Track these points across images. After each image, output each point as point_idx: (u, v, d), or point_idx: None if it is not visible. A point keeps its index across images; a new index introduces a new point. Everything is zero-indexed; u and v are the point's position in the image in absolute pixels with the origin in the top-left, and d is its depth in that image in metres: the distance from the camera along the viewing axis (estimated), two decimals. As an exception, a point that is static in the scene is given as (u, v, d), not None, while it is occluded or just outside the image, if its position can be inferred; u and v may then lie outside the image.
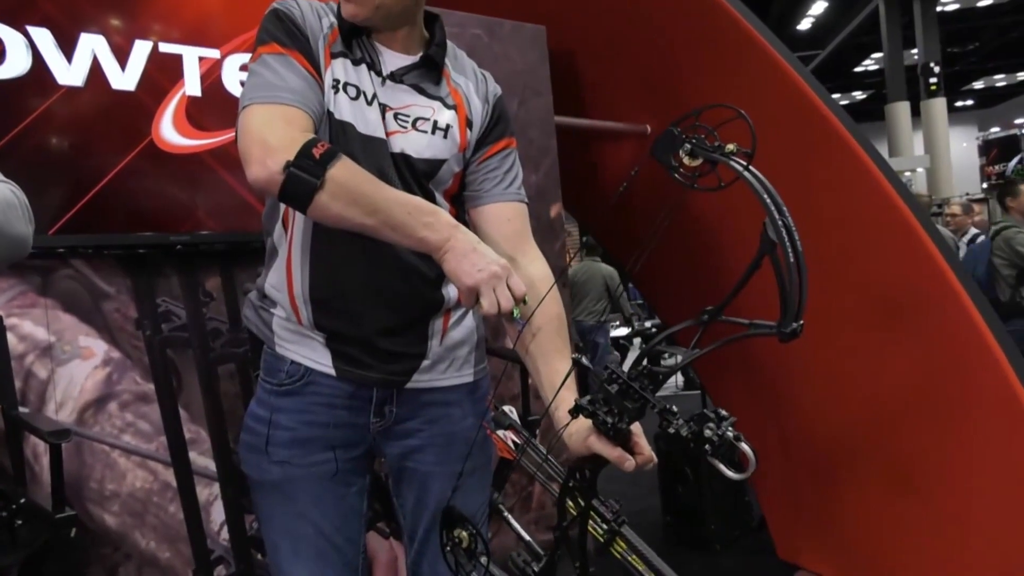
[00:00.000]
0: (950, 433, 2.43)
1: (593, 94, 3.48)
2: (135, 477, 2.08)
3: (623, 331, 8.57)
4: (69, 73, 1.87)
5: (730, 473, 0.82)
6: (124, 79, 1.95)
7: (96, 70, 1.91)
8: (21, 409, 1.92)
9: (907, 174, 15.35)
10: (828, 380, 2.79)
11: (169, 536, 2.12)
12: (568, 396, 1.05)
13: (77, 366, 2.01)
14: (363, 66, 1.24)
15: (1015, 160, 9.50)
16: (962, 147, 18.70)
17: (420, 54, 1.29)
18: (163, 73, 2.01)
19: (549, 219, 3.04)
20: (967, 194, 12.60)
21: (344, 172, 1.06)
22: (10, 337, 1.92)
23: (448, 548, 1.06)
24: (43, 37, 1.83)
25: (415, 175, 1.26)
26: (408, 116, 1.25)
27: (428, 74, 1.29)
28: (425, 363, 1.31)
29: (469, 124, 1.32)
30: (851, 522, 2.83)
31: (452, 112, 1.29)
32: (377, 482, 1.47)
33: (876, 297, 2.60)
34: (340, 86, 1.21)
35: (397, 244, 1.12)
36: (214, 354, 2.23)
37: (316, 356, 1.27)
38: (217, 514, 2.19)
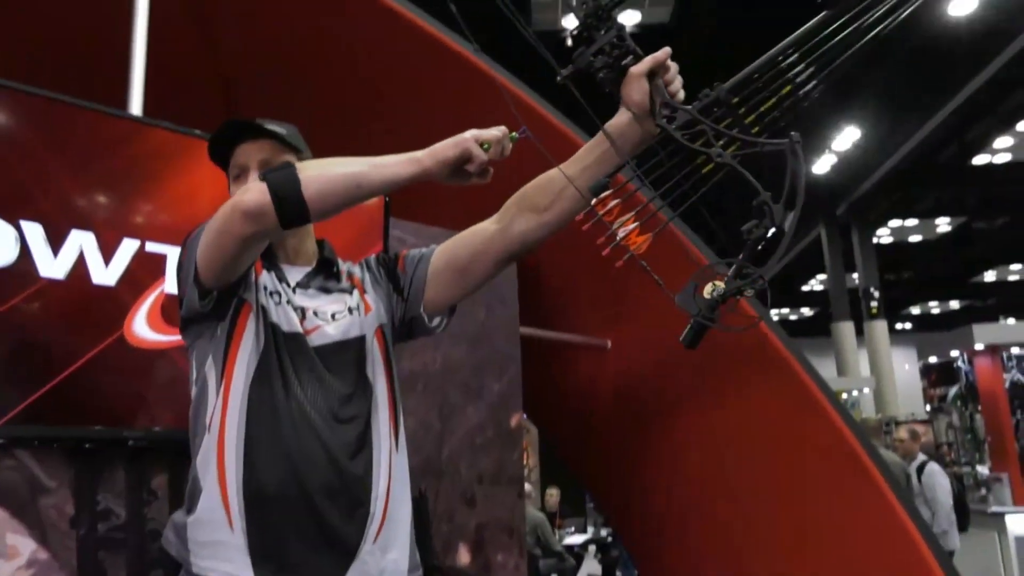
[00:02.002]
0: None
1: (557, 306, 3.62)
2: None
3: (579, 538, 8.35)
4: (53, 266, 1.91)
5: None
6: (106, 274, 1.99)
7: (80, 264, 1.96)
8: (-72, 614, 1.76)
9: (854, 393, 15.81)
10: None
11: None
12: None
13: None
14: (282, 282, 1.41)
15: (954, 389, 9.90)
16: (905, 368, 19.44)
17: (315, 262, 1.47)
18: (145, 270, 2.07)
19: (509, 428, 3.04)
20: (912, 414, 12.95)
21: (307, 163, 1.23)
22: (-67, 532, 1.80)
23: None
24: (34, 231, 1.89)
25: (342, 361, 1.37)
26: (325, 311, 1.41)
27: (328, 275, 1.47)
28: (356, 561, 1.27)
29: (364, 290, 1.49)
30: None
31: (355, 292, 1.47)
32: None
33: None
34: (267, 293, 1.36)
35: (392, 189, 1.25)
36: (149, 557, 2.10)
37: (237, 570, 1.24)
38: None
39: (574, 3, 1.21)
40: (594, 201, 1.11)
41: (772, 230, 1.00)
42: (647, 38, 9.97)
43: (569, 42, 1.20)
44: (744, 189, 1.02)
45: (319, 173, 1.20)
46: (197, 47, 2.99)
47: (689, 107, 1.13)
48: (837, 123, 12.54)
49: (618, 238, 1.06)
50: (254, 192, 1.20)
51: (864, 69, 10.66)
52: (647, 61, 1.19)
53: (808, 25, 1.12)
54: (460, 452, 2.89)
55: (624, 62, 1.19)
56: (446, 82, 2.92)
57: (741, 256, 0.99)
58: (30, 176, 1.95)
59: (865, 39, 1.08)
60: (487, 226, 1.44)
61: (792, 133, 1.04)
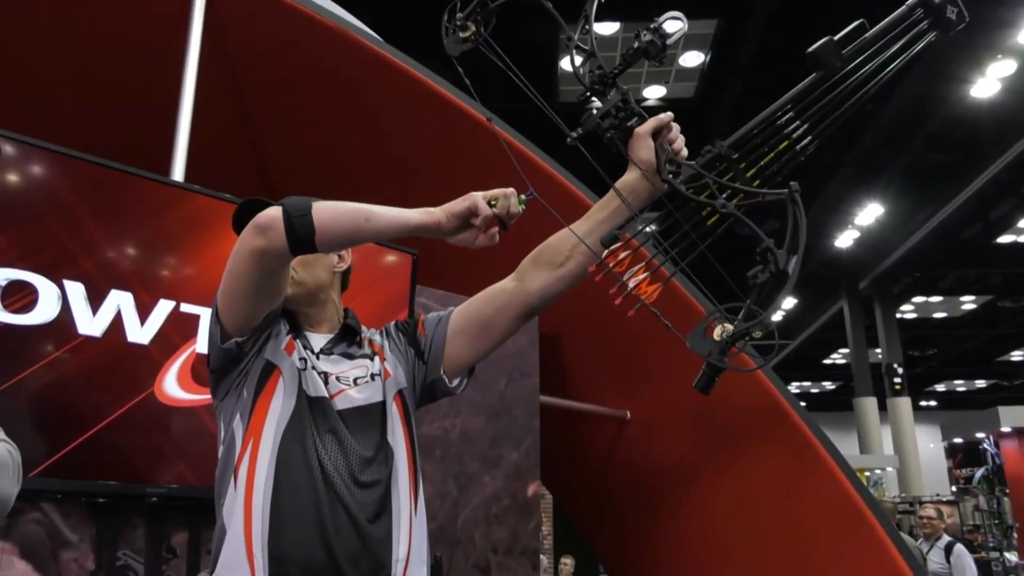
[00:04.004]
0: None
1: (577, 376, 3.64)
2: None
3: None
4: (91, 324, 1.98)
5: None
6: (141, 333, 2.06)
7: (117, 323, 2.02)
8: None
9: (877, 471, 15.45)
10: None
11: None
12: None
13: (18, 620, 1.89)
14: (307, 349, 1.46)
15: (980, 471, 9.67)
16: (929, 448, 19.01)
17: (336, 329, 1.51)
18: (178, 330, 2.13)
19: (526, 498, 3.03)
20: (937, 495, 12.62)
21: (322, 203, 1.27)
22: (-44, 582, 1.83)
23: None
24: (76, 290, 1.97)
25: (364, 426, 1.40)
26: (348, 377, 1.44)
27: (351, 342, 1.51)
28: None
29: (384, 357, 1.52)
30: None
31: (376, 358, 1.50)
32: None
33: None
34: (298, 360, 1.42)
35: (399, 234, 1.30)
36: (163, 616, 2.10)
37: None
38: None
39: (581, 72, 1.29)
40: (605, 253, 1.16)
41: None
42: (671, 112, 10.18)
43: (588, 105, 1.29)
44: (756, 243, 1.07)
45: (332, 204, 1.29)
46: (237, 119, 3.12)
47: (693, 163, 1.21)
48: (860, 199, 12.60)
49: (629, 288, 1.11)
50: (269, 210, 1.27)
51: (888, 148, 10.79)
52: (651, 122, 1.29)
53: (802, 85, 1.19)
54: (476, 521, 2.88)
55: (629, 123, 1.29)
56: (473, 154, 3.02)
57: (749, 301, 1.03)
58: (74, 237, 2.04)
59: (854, 99, 1.15)
60: (506, 284, 1.49)
61: (791, 183, 1.10)
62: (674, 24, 1.24)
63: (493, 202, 1.28)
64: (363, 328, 1.57)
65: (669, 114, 1.30)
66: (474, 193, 1.29)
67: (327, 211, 1.26)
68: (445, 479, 2.84)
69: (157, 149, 2.46)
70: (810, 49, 1.16)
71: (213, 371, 1.44)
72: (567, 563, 8.56)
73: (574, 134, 1.26)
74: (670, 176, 1.22)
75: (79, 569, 2.01)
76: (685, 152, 1.30)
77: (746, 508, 2.97)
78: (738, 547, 3.02)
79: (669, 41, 1.24)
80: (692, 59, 9.75)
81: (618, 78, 1.28)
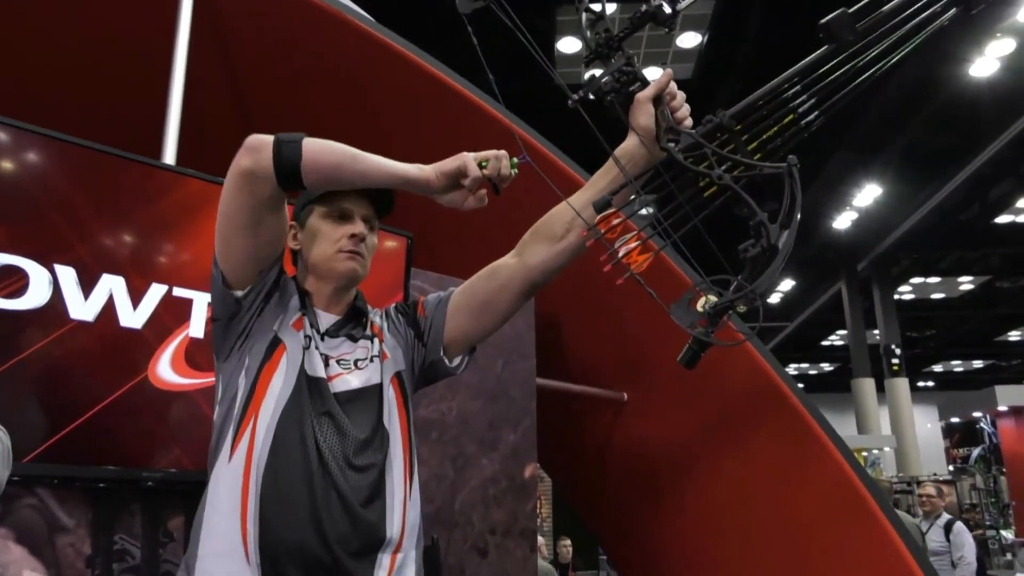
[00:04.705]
0: None
1: (575, 358, 3.63)
2: None
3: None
4: (83, 309, 1.97)
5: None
6: (133, 317, 2.05)
7: (109, 307, 2.01)
8: (-58, 651, 1.77)
9: (875, 452, 15.53)
10: None
11: None
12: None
13: (15, 604, 1.89)
14: (313, 328, 1.45)
15: (977, 450, 9.72)
16: (927, 427, 19.09)
17: (345, 311, 1.50)
18: (171, 314, 2.12)
19: (523, 480, 3.03)
20: (934, 474, 12.69)
21: (316, 138, 1.28)
22: (-47, 567, 1.83)
23: None
24: (67, 275, 1.95)
25: (360, 408, 1.40)
26: (348, 360, 1.44)
27: (356, 324, 1.50)
28: None
29: (383, 339, 1.52)
30: None
31: (376, 340, 1.50)
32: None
33: None
34: (303, 337, 1.42)
35: (386, 182, 1.31)
36: (161, 600, 2.11)
37: None
38: None
39: (587, 33, 1.26)
40: (598, 219, 1.15)
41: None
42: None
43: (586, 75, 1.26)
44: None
45: (324, 140, 1.30)
46: (230, 101, 3.09)
47: (692, 132, 1.18)
48: (859, 181, 12.57)
49: (619, 256, 1.09)
50: (259, 144, 1.28)
51: (886, 128, 10.74)
52: (652, 87, 1.26)
53: (811, 57, 1.16)
54: (473, 503, 2.89)
55: (631, 88, 1.26)
56: (462, 131, 2.99)
57: (740, 276, 1.02)
58: (65, 221, 2.02)
59: (865, 76, 1.12)
60: (506, 260, 1.48)
61: (790, 156, 1.08)
62: None
63: (484, 164, 1.27)
64: (371, 310, 1.57)
65: (669, 73, 1.27)
66: (465, 153, 1.29)
67: (317, 143, 1.28)
68: (442, 461, 2.84)
69: (148, 132, 2.44)
70: (823, 20, 1.13)
71: (216, 320, 1.45)
72: (566, 545, 8.62)
73: (575, 96, 1.23)
74: (669, 144, 1.19)
75: (76, 554, 2.01)
76: (689, 121, 1.27)
77: (744, 490, 2.98)
78: (737, 529, 3.03)
79: (679, 7, 1.21)
80: (690, 40, 9.69)
81: (623, 43, 1.25)
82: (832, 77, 1.14)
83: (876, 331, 16.68)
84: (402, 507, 1.39)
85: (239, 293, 1.40)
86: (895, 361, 15.92)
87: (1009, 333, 20.63)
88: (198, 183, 2.25)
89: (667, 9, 1.21)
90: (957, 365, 24.64)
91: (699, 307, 1.01)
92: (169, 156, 2.40)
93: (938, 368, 24.86)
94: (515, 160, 1.29)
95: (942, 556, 5.83)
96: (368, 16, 3.01)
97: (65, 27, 2.73)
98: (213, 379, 2.16)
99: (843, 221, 14.20)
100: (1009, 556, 8.31)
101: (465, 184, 1.28)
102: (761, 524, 2.94)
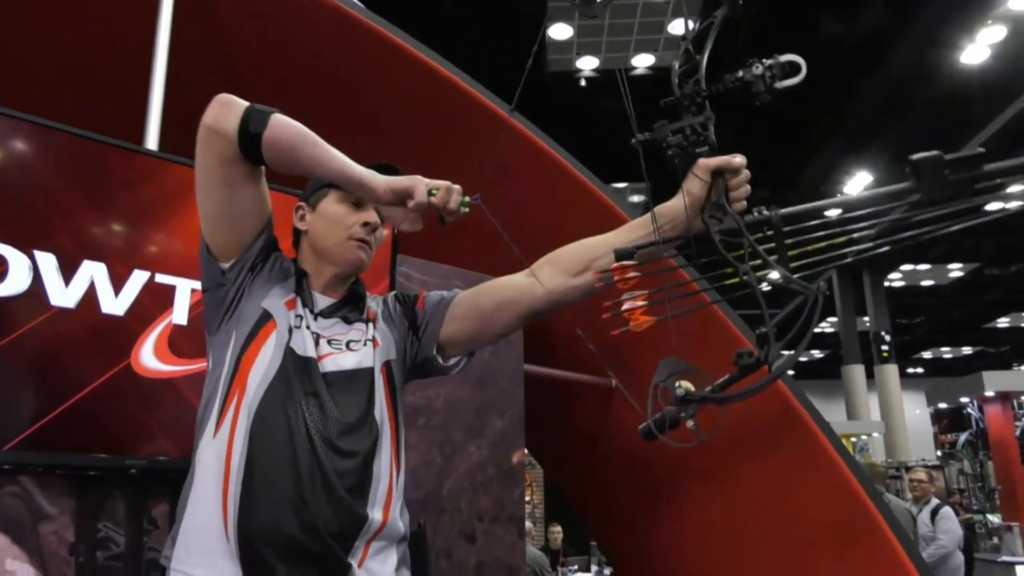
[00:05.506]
0: None
1: (563, 344, 3.63)
2: None
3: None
4: (64, 295, 1.95)
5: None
6: (115, 304, 2.03)
7: (90, 294, 1.99)
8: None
9: (864, 437, 15.65)
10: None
11: None
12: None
13: (-3, 592, 1.89)
14: (306, 308, 1.45)
15: (964, 435, 9.79)
16: (915, 413, 19.23)
17: (342, 294, 1.50)
18: (154, 301, 2.10)
19: (510, 465, 3.04)
20: (923, 459, 12.80)
21: (286, 117, 1.30)
22: (-66, 555, 1.82)
23: None
24: (47, 261, 1.93)
25: (349, 391, 1.39)
26: (340, 341, 1.44)
27: (353, 307, 1.49)
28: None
29: (376, 325, 1.51)
30: None
31: (370, 325, 1.50)
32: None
33: None
34: (294, 316, 1.41)
35: (338, 177, 1.30)
36: (146, 587, 2.10)
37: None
38: None
39: (677, 79, 1.20)
40: (614, 265, 1.13)
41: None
42: (660, 80, 10.09)
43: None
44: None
45: (295, 121, 1.31)
46: (214, 86, 3.05)
47: (739, 217, 1.14)
48: (850, 169, 12.58)
49: (622, 308, 1.08)
50: (231, 107, 1.30)
51: (878, 116, 10.75)
52: (720, 160, 1.22)
53: (890, 188, 1.08)
54: (461, 489, 2.89)
55: (698, 150, 1.21)
56: (454, 119, 2.97)
57: (720, 381, 1.01)
58: (45, 207, 2.00)
59: (938, 227, 1.03)
60: (517, 279, 1.47)
61: (820, 284, 1.03)
62: (792, 70, 1.13)
63: (434, 191, 1.26)
64: (369, 296, 1.57)
65: (742, 159, 1.23)
66: (420, 177, 1.28)
67: (285, 120, 1.29)
68: (430, 448, 2.84)
69: (130, 117, 2.41)
70: (913, 157, 1.04)
71: (205, 290, 1.46)
72: (557, 531, 8.66)
73: (640, 136, 1.19)
74: (711, 219, 1.16)
75: (59, 542, 2.00)
76: (743, 204, 1.23)
77: (733, 476, 2.99)
78: (725, 515, 3.04)
79: (777, 84, 1.14)
80: (681, 26, 9.65)
81: (707, 101, 1.19)
82: (903, 215, 1.06)
83: (866, 318, 16.75)
84: (386, 496, 1.38)
85: (224, 265, 1.42)
86: (885, 348, 16.01)
87: (998, 320, 20.75)
88: (181, 168, 2.22)
89: (762, 86, 1.14)
90: (946, 352, 24.79)
91: (675, 386, 1.01)
92: (152, 141, 2.38)
93: (927, 355, 25.00)
94: (467, 199, 1.29)
95: (932, 541, 5.90)
96: (358, 2, 2.98)
97: (44, 9, 2.69)
98: (197, 366, 2.16)
99: (834, 210, 14.22)
100: (996, 540, 8.40)
101: (409, 205, 1.27)
102: (751, 508, 2.95)
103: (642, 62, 10.23)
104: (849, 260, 1.12)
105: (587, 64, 10.24)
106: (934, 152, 1.03)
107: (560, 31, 9.52)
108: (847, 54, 9.23)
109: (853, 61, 9.48)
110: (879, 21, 8.93)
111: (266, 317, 1.40)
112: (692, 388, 1.00)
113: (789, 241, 1.10)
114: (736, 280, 1.08)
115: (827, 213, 1.15)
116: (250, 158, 1.31)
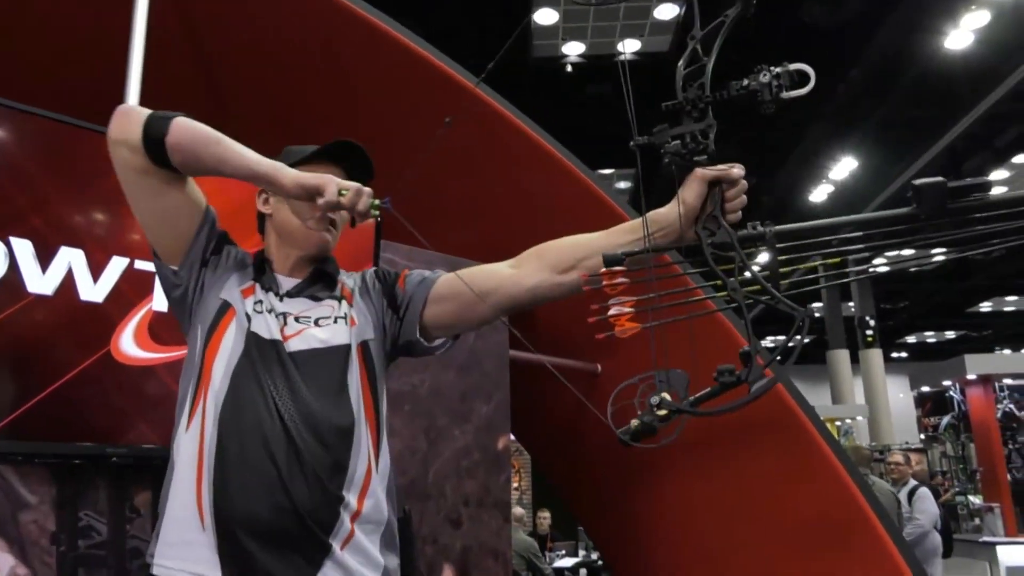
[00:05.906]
0: None
1: (548, 329, 3.63)
2: None
3: (570, 561, 8.30)
4: (41, 282, 1.93)
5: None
6: (94, 291, 2.01)
7: (68, 281, 1.97)
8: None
9: (848, 421, 15.80)
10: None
11: None
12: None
13: (-23, 582, 1.87)
14: (269, 292, 1.43)
15: (946, 418, 9.90)
16: (899, 397, 19.42)
17: (308, 274, 1.48)
18: (133, 288, 2.08)
19: (496, 451, 3.04)
20: (906, 442, 12.94)
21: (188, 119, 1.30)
22: (-88, 545, 1.80)
23: None
24: (23, 248, 1.91)
25: (320, 368, 1.37)
26: (309, 316, 1.42)
27: (322, 285, 1.47)
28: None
29: (352, 303, 1.48)
30: None
31: (344, 302, 1.46)
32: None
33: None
34: (255, 303, 1.40)
35: (244, 173, 1.29)
36: (129, 574, 2.09)
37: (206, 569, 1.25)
38: None
39: (681, 83, 1.17)
40: (603, 270, 1.12)
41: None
42: (646, 65, 10.08)
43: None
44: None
45: (198, 123, 1.30)
46: (191, 67, 3.02)
47: (732, 231, 1.13)
48: (835, 154, 12.63)
49: (608, 314, 1.07)
50: (132, 118, 1.31)
51: (863, 101, 10.78)
52: (717, 170, 1.20)
53: (888, 213, 1.06)
54: (446, 474, 2.89)
55: (697, 158, 1.18)
56: (431, 96, 2.95)
57: (697, 395, 1.01)
58: (21, 193, 1.97)
59: (936, 255, 1.02)
60: (502, 268, 1.45)
61: (809, 306, 1.01)
62: (800, 80, 1.10)
63: (344, 192, 1.26)
64: (343, 273, 1.54)
65: (740, 170, 1.21)
66: (331, 177, 1.28)
67: (187, 122, 1.29)
68: (415, 434, 2.84)
69: (107, 100, 2.37)
70: (917, 182, 1.02)
71: (168, 296, 1.48)
72: (544, 517, 8.70)
73: (639, 139, 1.16)
74: (703, 231, 1.15)
75: (40, 531, 1.99)
76: (738, 216, 1.21)
77: (718, 463, 3.00)
78: (710, 500, 3.06)
79: (784, 94, 1.10)
80: (667, 11, 9.61)
81: (710, 107, 1.15)
82: (901, 241, 1.05)
83: (851, 303, 16.87)
84: (364, 478, 1.36)
85: (174, 267, 1.43)
86: (869, 333, 16.14)
87: (980, 304, 20.94)
88: (159, 153, 2.20)
89: (768, 95, 1.10)
90: (930, 336, 25.02)
91: (652, 396, 1.01)
92: (129, 126, 2.34)
93: (911, 339, 25.22)
94: (376, 202, 1.28)
95: (910, 521, 5.99)
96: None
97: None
98: (178, 353, 2.14)
99: (819, 194, 14.27)
100: (977, 520, 8.51)
101: (318, 202, 1.27)
102: (736, 492, 2.97)
103: (629, 47, 10.19)
104: (845, 281, 1.10)
105: (573, 50, 10.20)
106: (938, 179, 1.03)
107: (546, 16, 9.47)
108: (831, 38, 9.24)
109: (838, 46, 9.50)
110: (863, 5, 8.93)
111: (226, 307, 1.40)
112: (669, 398, 0.99)
113: (783, 258, 1.08)
114: (724, 294, 1.06)
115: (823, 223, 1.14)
116: (162, 164, 1.31)
